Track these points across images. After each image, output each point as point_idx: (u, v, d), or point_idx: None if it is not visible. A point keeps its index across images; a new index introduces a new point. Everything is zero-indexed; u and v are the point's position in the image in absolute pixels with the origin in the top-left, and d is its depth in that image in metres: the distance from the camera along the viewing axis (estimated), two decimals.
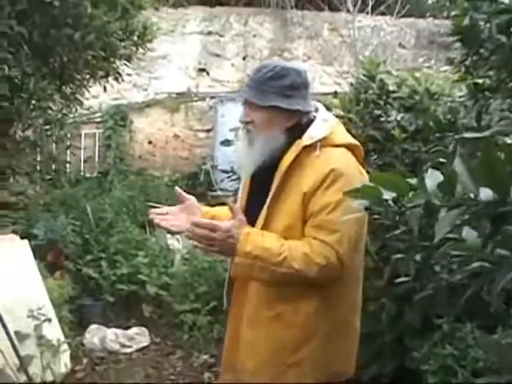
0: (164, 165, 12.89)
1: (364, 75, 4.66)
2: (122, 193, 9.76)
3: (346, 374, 2.84)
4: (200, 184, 12.23)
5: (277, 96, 2.63)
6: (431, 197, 1.27)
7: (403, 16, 13.25)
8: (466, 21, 2.16)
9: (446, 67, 4.08)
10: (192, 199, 2.96)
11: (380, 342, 4.17)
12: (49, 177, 9.46)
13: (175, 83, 12.90)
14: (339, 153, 2.68)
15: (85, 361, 5.49)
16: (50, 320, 4.83)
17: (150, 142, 12.93)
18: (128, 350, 5.78)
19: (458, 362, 3.47)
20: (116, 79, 6.35)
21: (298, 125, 2.69)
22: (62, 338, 4.97)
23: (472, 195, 1.20)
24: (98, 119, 12.31)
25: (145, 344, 5.92)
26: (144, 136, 12.86)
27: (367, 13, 12.92)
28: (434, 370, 3.54)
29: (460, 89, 4.26)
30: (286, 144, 2.68)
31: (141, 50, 6.37)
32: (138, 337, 5.94)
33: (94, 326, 5.95)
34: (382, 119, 4.52)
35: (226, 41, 13.22)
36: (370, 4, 12.79)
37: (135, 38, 6.18)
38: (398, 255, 2.29)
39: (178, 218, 2.87)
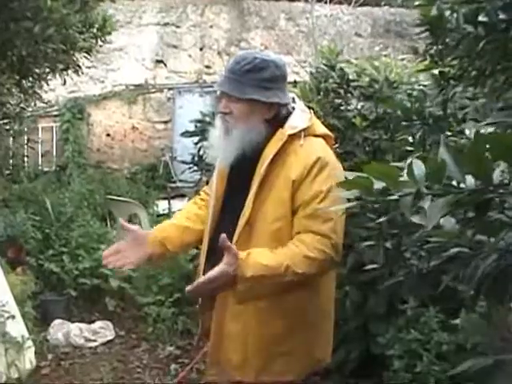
0: (123, 157, 12.85)
1: (324, 64, 4.68)
2: (82, 186, 9.70)
3: (325, 361, 2.88)
4: (159, 176, 12.22)
5: (255, 89, 2.61)
6: (420, 185, 1.29)
7: (360, 5, 13.35)
8: (434, 11, 2.19)
9: (404, 55, 4.12)
10: (136, 230, 2.91)
11: (345, 328, 4.21)
12: (7, 172, 9.37)
13: (132, 75, 12.85)
14: (320, 142, 2.71)
15: (50, 356, 5.44)
16: (13, 317, 4.79)
17: (108, 135, 12.87)
18: (93, 345, 5.74)
19: (422, 346, 3.53)
20: (76, 72, 6.31)
21: (277, 116, 2.69)
22: (26, 335, 4.92)
23: (455, 183, 1.23)
24: (55, 112, 12.20)
25: (109, 338, 5.89)
26: (102, 129, 12.80)
27: (325, 2, 12.98)
28: (399, 354, 3.61)
29: (416, 77, 4.32)
30: (267, 134, 2.67)
31: (100, 43, 6.33)
32: (103, 331, 5.91)
33: (57, 322, 5.90)
34: (343, 108, 4.55)
35: (183, 32, 13.19)
36: None
37: (95, 31, 6.15)
38: (367, 243, 2.32)
39: (128, 254, 2.85)
